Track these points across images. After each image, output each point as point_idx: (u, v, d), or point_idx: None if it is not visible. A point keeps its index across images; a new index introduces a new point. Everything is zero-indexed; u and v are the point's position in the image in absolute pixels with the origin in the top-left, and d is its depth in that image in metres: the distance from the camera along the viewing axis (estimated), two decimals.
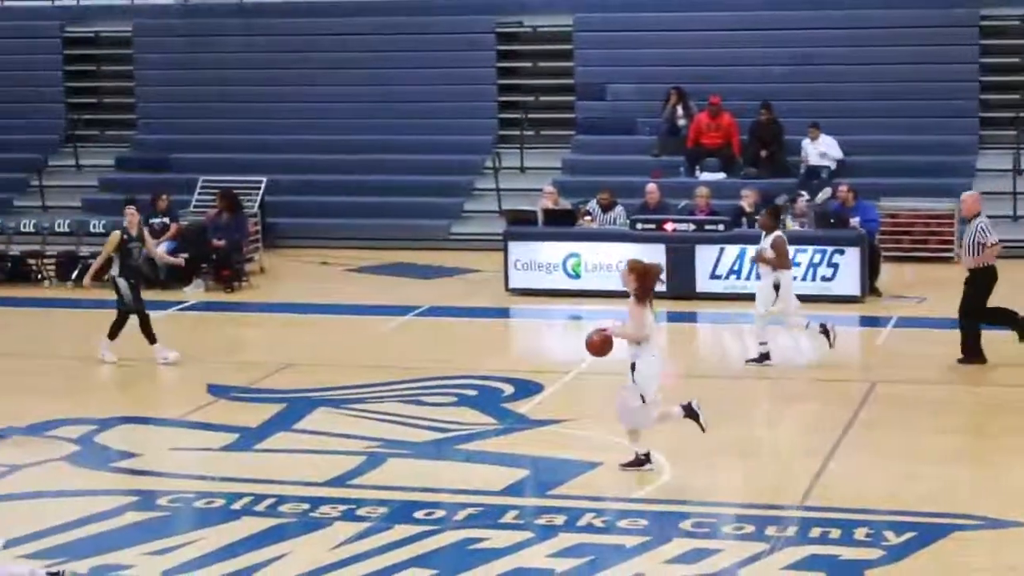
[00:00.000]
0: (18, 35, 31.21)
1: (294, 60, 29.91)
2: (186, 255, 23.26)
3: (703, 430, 14.24)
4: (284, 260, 26.86)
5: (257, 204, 27.54)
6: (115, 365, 19.28)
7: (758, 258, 18.87)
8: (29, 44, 31.20)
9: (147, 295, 23.79)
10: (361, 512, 13.39)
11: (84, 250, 25.36)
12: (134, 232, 19.65)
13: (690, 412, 14.21)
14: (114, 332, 19.29)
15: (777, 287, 18.62)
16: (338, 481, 14.31)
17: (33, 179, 29.40)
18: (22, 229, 26.21)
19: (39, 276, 25.04)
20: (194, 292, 24.19)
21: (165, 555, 12.41)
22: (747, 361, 18.89)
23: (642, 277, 14.05)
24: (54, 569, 11.24)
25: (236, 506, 13.63)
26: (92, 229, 26.08)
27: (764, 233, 18.97)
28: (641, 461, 14.23)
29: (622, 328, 14.09)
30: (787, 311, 18.80)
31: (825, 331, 18.66)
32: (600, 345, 14.16)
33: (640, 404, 13.97)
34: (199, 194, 27.76)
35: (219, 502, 13.82)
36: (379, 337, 20.95)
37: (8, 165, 29.75)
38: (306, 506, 13.55)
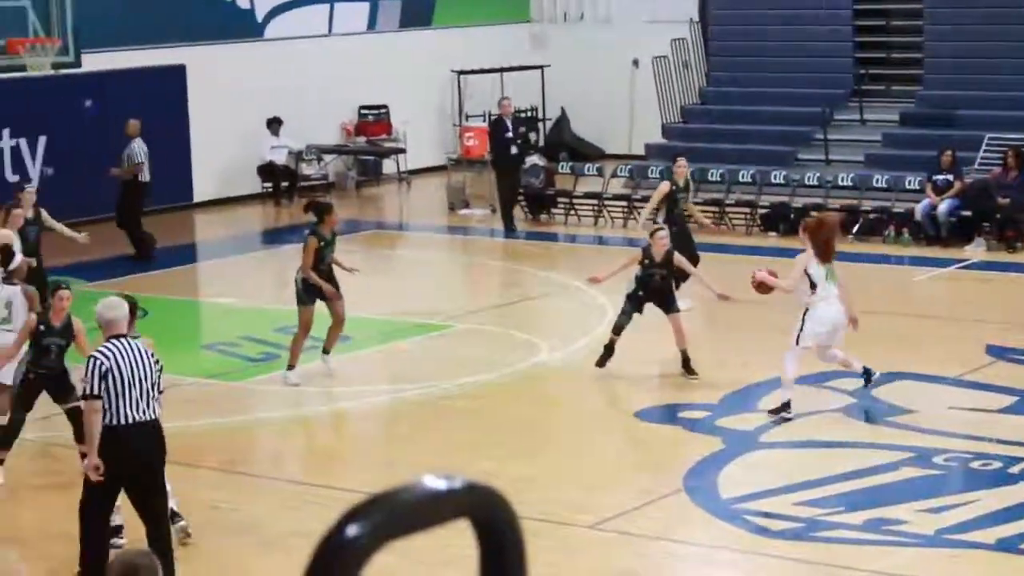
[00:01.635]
0: None
1: None
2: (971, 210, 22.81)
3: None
4: None
5: None
6: (902, 317, 19.31)
7: None
8: None
9: (928, 252, 23.69)
10: None
11: (865, 204, 25.49)
12: (681, 183, 20.04)
13: (867, 374, 15.45)
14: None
15: None
16: None
17: (818, 133, 29.71)
18: (805, 182, 26.67)
19: None
20: (975, 250, 23.81)
21: (940, 513, 12.34)
22: None
23: (813, 234, 14.97)
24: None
25: (1013, 470, 13.36)
26: (874, 184, 26.16)
27: None
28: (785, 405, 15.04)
29: (777, 280, 15.15)
30: None
31: None
32: (758, 286, 15.48)
33: (793, 343, 14.90)
34: (984, 151, 27.22)
35: (995, 464, 13.58)
36: None
37: (794, 118, 30.24)
38: None
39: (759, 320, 19.27)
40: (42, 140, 26.16)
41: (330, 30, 31.81)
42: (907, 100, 30.26)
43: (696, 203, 26.33)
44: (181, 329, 20.46)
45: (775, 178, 27.06)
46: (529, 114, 34.12)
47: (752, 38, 31.77)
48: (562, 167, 29.09)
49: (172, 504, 11.77)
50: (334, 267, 17.03)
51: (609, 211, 27.00)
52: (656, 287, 16.77)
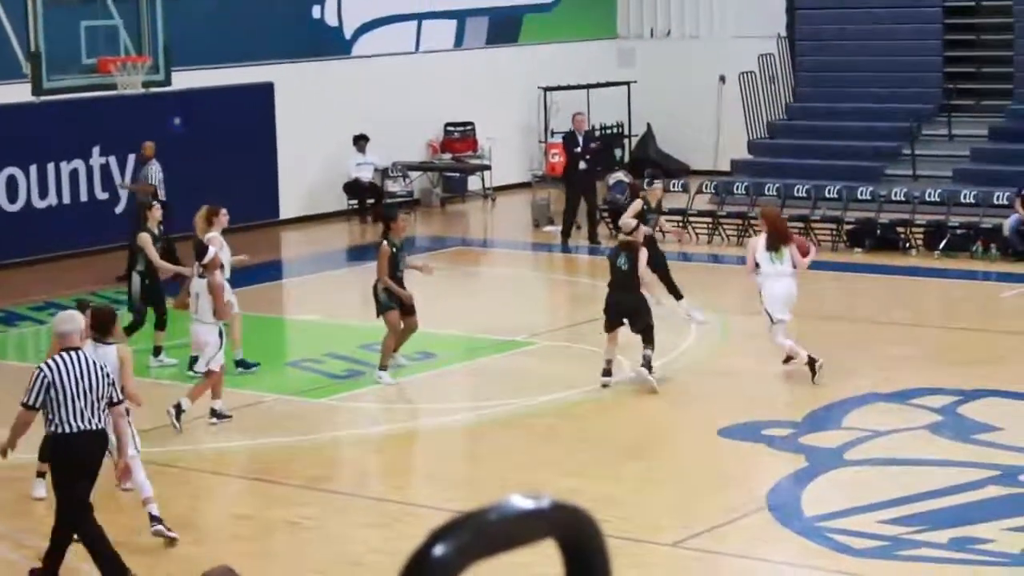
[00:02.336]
0: (903, 4, 31.44)
1: None
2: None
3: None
4: None
5: None
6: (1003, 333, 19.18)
7: None
8: (912, 14, 31.36)
9: (1016, 268, 23.45)
10: None
11: (953, 220, 25.30)
12: (653, 204, 20.70)
13: (811, 363, 16.83)
14: None
15: None
16: None
17: (905, 148, 29.55)
18: (892, 197, 26.52)
19: (907, 245, 25.22)
20: None
21: None
22: None
23: (769, 224, 17.37)
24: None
25: None
26: (962, 199, 25.96)
27: None
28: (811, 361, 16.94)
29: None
30: None
31: None
32: None
33: (770, 323, 16.98)
34: None
35: None
36: None
37: (881, 134, 30.08)
38: None
39: (841, 337, 19.23)
40: (131, 158, 26.44)
41: (417, 47, 31.97)
42: (996, 115, 30.04)
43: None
44: (266, 346, 20.61)
45: (862, 194, 26.92)
46: (615, 130, 34.15)
47: (840, 53, 31.67)
48: (647, 184, 29.00)
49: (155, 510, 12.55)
50: (409, 274, 17.70)
51: (694, 227, 26.95)
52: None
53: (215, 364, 15.86)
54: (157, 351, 18.55)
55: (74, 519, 11.47)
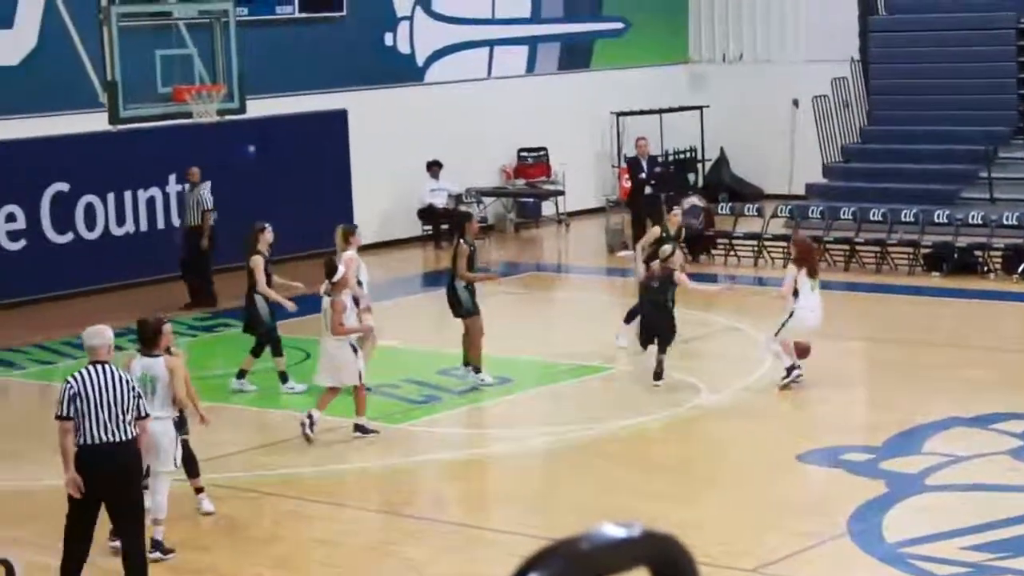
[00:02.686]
0: (977, 26, 31.24)
1: None
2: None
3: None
4: None
5: None
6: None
7: None
8: (987, 36, 31.14)
9: None
10: None
11: None
12: (672, 231, 20.54)
13: (789, 371, 17.58)
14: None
15: None
16: None
17: (982, 171, 29.31)
18: (969, 221, 26.30)
19: (985, 269, 25.00)
20: None
21: None
22: None
23: (800, 250, 18.06)
24: None
25: None
26: None
27: None
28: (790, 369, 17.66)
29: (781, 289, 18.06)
30: None
31: None
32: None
33: (765, 338, 18.03)
34: None
35: None
36: None
37: (958, 157, 29.85)
38: None
39: (920, 362, 19.09)
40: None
41: (489, 73, 32.06)
42: None
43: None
44: None
45: (938, 217, 26.71)
46: (688, 155, 34.11)
47: (914, 76, 31.46)
48: (721, 208, 28.98)
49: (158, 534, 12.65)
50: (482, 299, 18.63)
51: (769, 252, 26.82)
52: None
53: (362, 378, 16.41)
54: (242, 374, 18.68)
55: (70, 528, 11.64)
